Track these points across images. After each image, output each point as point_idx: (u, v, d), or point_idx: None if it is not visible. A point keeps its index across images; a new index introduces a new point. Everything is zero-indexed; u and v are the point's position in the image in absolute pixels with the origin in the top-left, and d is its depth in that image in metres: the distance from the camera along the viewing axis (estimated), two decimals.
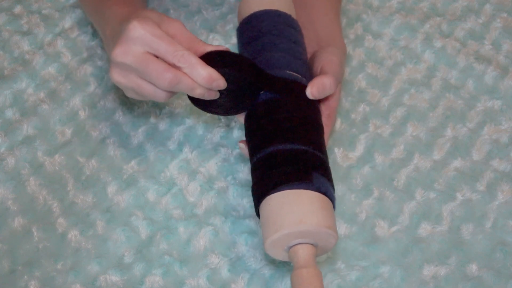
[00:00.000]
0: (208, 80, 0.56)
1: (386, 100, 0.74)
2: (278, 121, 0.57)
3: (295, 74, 0.61)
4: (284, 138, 0.56)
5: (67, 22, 0.80)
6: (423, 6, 0.83)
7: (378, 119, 0.72)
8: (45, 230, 0.64)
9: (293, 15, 0.67)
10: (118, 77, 0.57)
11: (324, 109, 0.63)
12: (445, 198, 0.66)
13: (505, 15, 0.82)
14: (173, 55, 0.54)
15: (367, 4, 0.83)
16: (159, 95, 0.58)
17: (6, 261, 0.63)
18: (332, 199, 0.55)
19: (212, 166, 0.68)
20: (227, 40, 0.78)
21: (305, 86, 0.59)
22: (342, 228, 0.64)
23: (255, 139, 0.58)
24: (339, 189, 0.67)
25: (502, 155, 0.70)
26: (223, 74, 0.56)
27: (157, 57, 0.55)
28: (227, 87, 0.57)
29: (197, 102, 0.60)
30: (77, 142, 0.70)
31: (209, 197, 0.66)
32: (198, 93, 0.57)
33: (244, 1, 0.67)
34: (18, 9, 0.82)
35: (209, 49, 0.58)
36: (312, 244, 0.53)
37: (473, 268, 0.62)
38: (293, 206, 0.52)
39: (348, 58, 0.77)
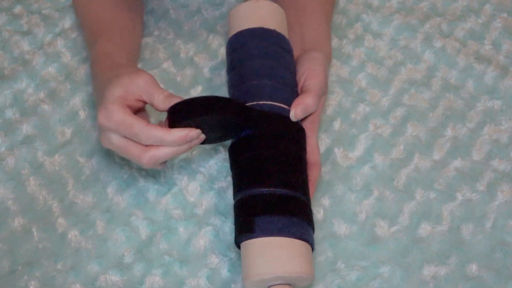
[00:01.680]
0: (180, 141, 0.56)
1: (386, 100, 0.74)
2: (258, 159, 0.58)
3: (278, 104, 0.60)
4: (265, 181, 0.57)
5: (67, 22, 0.80)
6: (423, 6, 0.83)
7: (378, 119, 0.72)
8: (45, 230, 0.64)
9: (285, 31, 0.67)
10: (109, 145, 0.59)
11: (309, 116, 0.64)
12: (445, 198, 0.66)
13: (505, 15, 0.82)
14: (138, 138, 0.56)
15: (367, 4, 0.82)
16: (147, 167, 0.59)
17: (6, 261, 0.63)
18: (311, 243, 0.57)
19: (212, 166, 0.68)
20: (227, 40, 0.78)
21: (287, 119, 0.60)
22: (342, 228, 0.64)
23: (237, 176, 0.59)
24: (339, 189, 0.67)
25: (502, 155, 0.70)
26: (198, 122, 0.56)
27: None
28: (207, 129, 0.58)
29: None
30: (77, 142, 0.70)
31: (209, 197, 0.66)
32: (184, 151, 0.58)
33: (235, 11, 0.66)
34: (18, 9, 0.82)
35: (168, 102, 0.58)
36: (289, 285, 0.55)
37: (473, 268, 0.62)
38: (273, 253, 0.54)
39: (348, 58, 0.77)
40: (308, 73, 0.63)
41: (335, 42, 0.79)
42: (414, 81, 0.76)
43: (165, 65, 0.76)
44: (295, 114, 0.60)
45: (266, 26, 0.64)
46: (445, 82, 0.76)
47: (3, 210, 0.66)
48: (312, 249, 0.58)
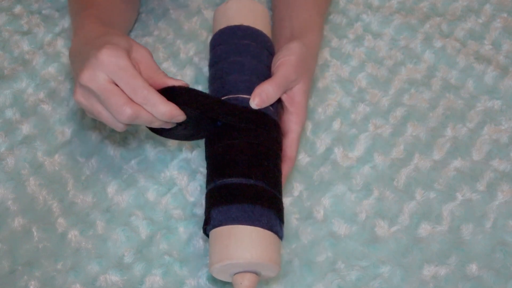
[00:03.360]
0: (169, 116, 0.56)
1: (386, 100, 0.74)
2: (231, 149, 0.58)
3: None
4: (236, 171, 0.57)
5: (67, 22, 0.80)
6: (423, 6, 0.83)
7: (378, 119, 0.72)
8: (45, 230, 0.64)
9: (267, 28, 0.68)
10: (81, 98, 0.57)
11: (289, 106, 0.63)
12: (445, 198, 0.66)
13: (505, 15, 0.82)
14: (134, 91, 0.55)
15: (367, 4, 0.82)
16: (117, 125, 0.57)
17: (6, 261, 0.63)
18: (278, 233, 0.57)
19: None
20: None
21: (262, 113, 0.60)
22: (342, 228, 0.64)
23: (210, 165, 0.60)
24: (339, 189, 0.67)
25: (502, 155, 0.70)
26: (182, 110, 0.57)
27: None
28: (185, 121, 0.58)
29: (154, 130, 0.61)
30: (77, 142, 0.70)
31: None
32: (156, 125, 0.57)
33: (220, 9, 0.68)
34: (18, 9, 0.82)
35: (169, 82, 0.58)
36: (255, 273, 0.56)
37: (473, 268, 0.62)
38: (238, 240, 0.55)
39: (348, 58, 0.77)
40: (279, 63, 0.63)
41: (335, 42, 0.79)
42: (414, 81, 0.76)
43: (165, 65, 0.76)
44: (255, 102, 0.60)
45: (249, 23, 0.66)
46: (445, 82, 0.76)
47: (3, 210, 0.66)
48: (280, 237, 0.58)
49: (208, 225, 0.57)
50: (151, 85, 0.56)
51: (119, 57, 0.54)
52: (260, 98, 0.60)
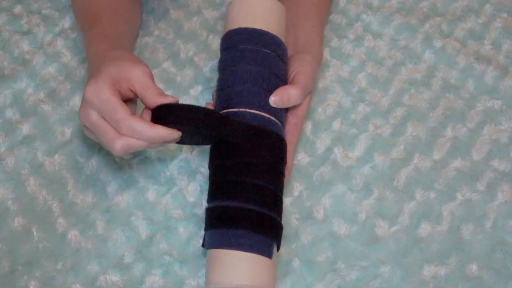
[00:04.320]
0: (158, 139, 0.56)
1: (386, 100, 0.74)
2: (226, 171, 0.58)
3: (258, 113, 0.59)
4: (239, 195, 0.57)
5: (67, 22, 0.80)
6: (423, 6, 0.83)
7: (378, 119, 0.72)
8: (45, 230, 0.64)
9: (283, 28, 0.65)
10: (84, 130, 0.60)
11: (291, 118, 0.63)
12: (445, 198, 0.66)
13: (505, 15, 0.82)
14: (117, 124, 0.55)
15: (367, 4, 0.82)
16: (116, 153, 0.58)
17: (6, 261, 0.63)
18: (267, 254, 0.57)
19: None
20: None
21: (262, 130, 0.59)
22: (342, 228, 0.64)
23: (209, 183, 0.60)
24: (339, 189, 0.67)
25: (502, 155, 0.70)
26: (179, 128, 0.57)
27: None
28: (186, 134, 0.58)
29: None
30: (77, 142, 0.70)
31: None
32: (155, 146, 0.58)
33: (232, 5, 0.65)
34: (18, 9, 0.82)
35: (159, 100, 0.57)
36: None
37: (473, 268, 0.62)
38: (212, 264, 0.56)
39: (348, 58, 0.77)
40: (297, 71, 0.63)
41: (335, 42, 0.79)
42: (414, 81, 0.76)
43: (165, 65, 0.76)
44: (274, 100, 0.60)
45: (261, 25, 0.62)
46: (445, 82, 0.76)
47: (3, 210, 0.66)
48: (270, 257, 0.57)
49: (214, 244, 0.57)
50: (144, 104, 0.58)
51: (99, 91, 0.55)
52: (280, 97, 0.60)
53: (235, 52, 0.62)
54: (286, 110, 0.63)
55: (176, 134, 0.57)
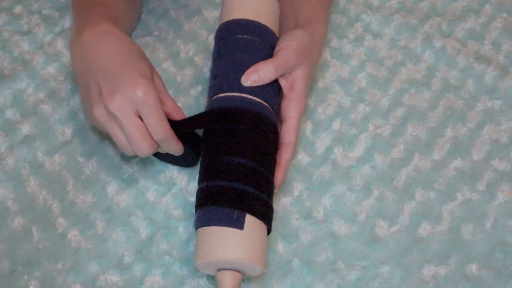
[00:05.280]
0: (177, 152, 0.61)
1: (386, 100, 0.74)
2: (219, 150, 0.59)
3: (249, 97, 0.61)
4: (228, 175, 0.58)
5: (67, 22, 0.80)
6: (423, 6, 0.83)
7: (378, 119, 0.72)
8: (45, 230, 0.64)
9: (276, 20, 0.67)
10: (100, 116, 0.58)
11: (290, 94, 0.63)
12: (445, 198, 0.66)
13: (505, 15, 0.82)
14: (155, 130, 0.57)
15: (367, 4, 0.82)
16: (128, 151, 0.59)
17: (6, 261, 0.63)
18: (262, 233, 0.58)
19: None
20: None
21: (256, 114, 0.60)
22: (342, 228, 0.64)
23: (201, 165, 0.61)
24: (339, 189, 0.67)
25: (502, 155, 0.70)
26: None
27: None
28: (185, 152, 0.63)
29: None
30: (77, 142, 0.70)
31: None
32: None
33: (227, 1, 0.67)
34: (18, 9, 0.82)
35: (181, 117, 0.61)
36: (238, 271, 0.57)
37: (473, 268, 0.62)
38: (228, 241, 0.56)
39: (348, 58, 0.77)
40: (279, 47, 0.63)
41: (335, 42, 0.79)
42: (414, 81, 0.76)
43: (165, 65, 0.76)
44: (243, 78, 0.61)
45: (257, 17, 0.65)
46: (445, 82, 0.76)
47: (3, 210, 0.66)
48: (266, 233, 0.59)
49: (195, 224, 0.59)
50: (173, 113, 0.61)
51: (151, 93, 0.56)
52: (249, 74, 0.61)
53: (229, 42, 0.64)
54: (279, 90, 0.64)
55: (182, 150, 0.62)
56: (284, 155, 0.62)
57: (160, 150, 0.61)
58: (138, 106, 0.56)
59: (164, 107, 0.60)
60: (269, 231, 0.60)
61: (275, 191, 0.61)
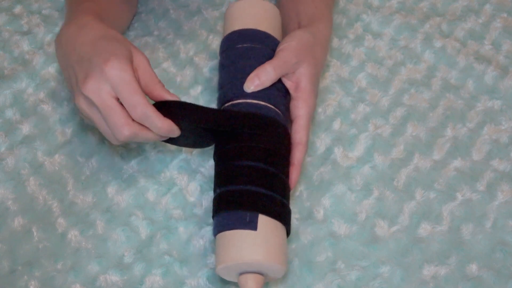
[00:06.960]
0: (166, 132, 0.57)
1: (386, 100, 0.74)
2: (234, 155, 0.59)
3: (259, 102, 0.61)
4: (239, 179, 0.58)
5: None
6: (423, 6, 0.83)
7: (378, 119, 0.72)
8: (45, 230, 0.64)
9: (278, 28, 0.68)
10: (82, 104, 0.57)
11: (296, 94, 0.63)
12: (445, 198, 0.66)
13: (505, 15, 0.82)
14: (134, 108, 0.55)
15: (367, 4, 0.82)
16: (112, 139, 0.58)
17: (6, 261, 0.63)
18: (281, 235, 0.58)
19: (212, 166, 0.68)
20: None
21: (265, 117, 0.60)
22: (342, 228, 0.64)
23: (215, 171, 0.61)
24: (339, 189, 0.67)
25: (502, 155, 0.70)
26: (178, 124, 0.58)
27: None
28: (184, 133, 0.60)
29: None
30: (77, 142, 0.70)
31: (209, 197, 0.66)
32: (152, 140, 0.59)
33: (230, 9, 0.68)
34: (18, 9, 0.82)
35: (166, 96, 0.59)
36: (260, 274, 0.57)
37: (473, 268, 0.62)
38: (243, 243, 0.56)
39: (348, 58, 0.77)
40: (279, 49, 0.63)
41: (335, 42, 0.79)
42: (414, 81, 0.76)
43: (165, 65, 0.76)
44: (245, 85, 0.61)
45: (256, 25, 0.66)
46: (445, 82, 0.76)
47: (3, 210, 0.66)
48: (287, 234, 0.59)
49: (213, 231, 0.59)
50: (148, 93, 0.58)
51: (125, 70, 0.55)
52: (251, 81, 0.61)
53: (230, 52, 0.65)
54: (285, 92, 0.64)
55: (177, 131, 0.58)
56: (296, 155, 0.62)
57: (150, 141, 0.60)
58: (112, 85, 0.54)
59: (151, 88, 0.58)
60: (288, 231, 0.59)
61: (291, 191, 0.62)
